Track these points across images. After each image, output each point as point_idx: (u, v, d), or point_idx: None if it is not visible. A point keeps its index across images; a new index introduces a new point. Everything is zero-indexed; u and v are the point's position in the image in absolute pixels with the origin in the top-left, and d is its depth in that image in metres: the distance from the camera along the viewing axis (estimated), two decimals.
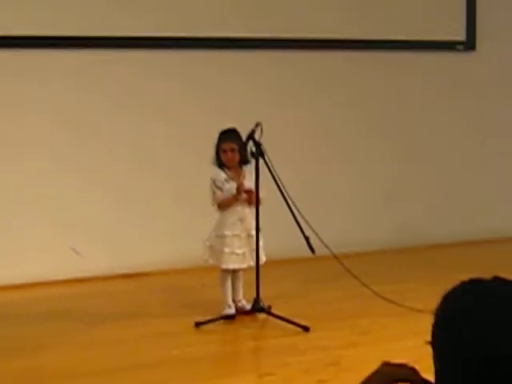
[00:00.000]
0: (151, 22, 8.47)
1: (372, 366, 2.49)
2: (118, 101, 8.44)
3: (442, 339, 2.23)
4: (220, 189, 6.78)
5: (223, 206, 6.79)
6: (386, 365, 2.51)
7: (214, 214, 6.85)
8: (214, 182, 6.80)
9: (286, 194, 6.55)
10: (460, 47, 9.80)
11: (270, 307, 6.81)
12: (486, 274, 2.25)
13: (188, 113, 8.28)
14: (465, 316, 2.20)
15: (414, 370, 2.45)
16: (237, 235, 6.79)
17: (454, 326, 2.22)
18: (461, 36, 9.80)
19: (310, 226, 6.60)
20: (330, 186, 8.97)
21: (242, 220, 6.80)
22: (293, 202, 6.58)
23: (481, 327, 2.15)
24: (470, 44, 9.82)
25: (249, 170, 6.80)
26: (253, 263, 6.75)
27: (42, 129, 8.11)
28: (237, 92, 8.45)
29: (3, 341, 6.49)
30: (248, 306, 6.88)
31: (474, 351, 2.15)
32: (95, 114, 8.32)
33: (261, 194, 6.67)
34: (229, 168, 6.82)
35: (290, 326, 6.59)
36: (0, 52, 7.93)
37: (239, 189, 6.72)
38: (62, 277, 7.95)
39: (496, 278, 2.22)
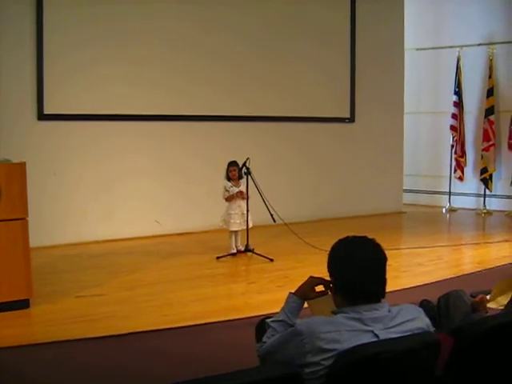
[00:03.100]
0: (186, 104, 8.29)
1: (304, 278, 2.65)
2: (180, 147, 8.38)
3: (329, 264, 2.33)
4: (228, 191, 6.88)
5: (229, 199, 6.89)
6: (311, 277, 2.61)
7: (224, 203, 6.93)
8: (224, 187, 6.90)
9: (260, 192, 6.60)
10: (346, 120, 9.81)
11: (253, 249, 6.96)
12: (362, 233, 2.37)
13: (214, 155, 8.18)
14: (337, 251, 2.32)
15: (325, 280, 2.51)
16: (237, 213, 6.88)
17: (333, 258, 2.33)
18: (347, 114, 9.80)
19: (273, 208, 6.54)
20: (282, 187, 8.91)
21: (239, 206, 6.88)
22: (264, 196, 6.59)
23: (342, 259, 2.28)
24: (352, 119, 9.85)
25: (242, 181, 6.88)
26: (245, 227, 6.89)
27: (143, 159, 8.08)
28: (238, 145, 8.25)
29: (117, 266, 6.53)
30: (242, 248, 7.02)
31: (341, 272, 2.27)
32: (169, 154, 8.29)
33: (249, 193, 6.83)
34: (233, 180, 6.91)
35: (263, 258, 6.74)
36: (112, 122, 7.80)
37: (239, 191, 6.88)
38: (149, 234, 8.08)
39: (354, 235, 2.34)
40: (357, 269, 2.22)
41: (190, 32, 8.33)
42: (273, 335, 2.44)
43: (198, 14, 8.39)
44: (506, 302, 3.55)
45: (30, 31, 7.28)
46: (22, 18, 7.25)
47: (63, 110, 7.52)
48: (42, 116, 7.40)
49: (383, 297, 2.27)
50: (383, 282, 2.26)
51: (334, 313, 2.25)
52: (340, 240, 2.35)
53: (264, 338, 2.49)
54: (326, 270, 2.36)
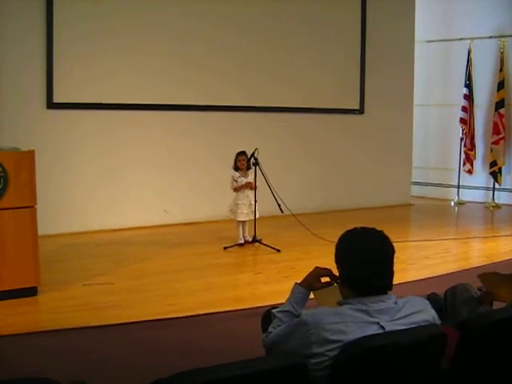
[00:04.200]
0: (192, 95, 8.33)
1: (310, 269, 2.64)
2: (186, 138, 8.37)
3: (337, 255, 2.33)
4: (236, 181, 6.92)
5: (237, 189, 6.94)
6: (317, 268, 2.61)
7: (232, 193, 6.99)
8: (233, 177, 6.95)
9: (268, 182, 6.65)
10: (356, 112, 9.85)
11: (260, 239, 7.01)
12: (370, 225, 2.36)
13: (222, 145, 8.22)
14: (344, 243, 2.33)
15: (331, 270, 2.54)
16: (244, 204, 6.92)
17: (340, 249, 2.34)
18: (357, 106, 9.84)
19: (280, 198, 6.60)
20: (290, 177, 8.88)
21: (247, 196, 6.92)
22: (272, 186, 6.63)
23: (349, 250, 2.29)
24: (361, 110, 9.89)
25: (250, 172, 6.91)
26: (252, 217, 6.92)
27: (150, 149, 8.09)
28: (246, 135, 8.30)
29: (123, 255, 6.57)
30: (250, 239, 7.06)
31: (347, 263, 2.28)
32: (177, 144, 8.30)
33: (256, 183, 6.87)
34: (241, 170, 6.94)
35: (270, 249, 6.76)
36: (120, 112, 7.84)
37: (248, 182, 6.91)
38: (156, 223, 8.14)
39: (362, 227, 2.34)
40: (364, 260, 2.21)
41: (198, 25, 8.37)
42: (278, 325, 2.44)
43: (207, 7, 8.38)
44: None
45: (41, 23, 7.34)
46: (33, 10, 7.30)
47: (72, 99, 7.56)
48: (51, 104, 7.44)
49: (390, 289, 2.25)
50: (390, 274, 2.25)
51: (340, 304, 2.25)
52: (347, 231, 2.35)
53: (270, 329, 2.49)
54: (333, 261, 2.35)
